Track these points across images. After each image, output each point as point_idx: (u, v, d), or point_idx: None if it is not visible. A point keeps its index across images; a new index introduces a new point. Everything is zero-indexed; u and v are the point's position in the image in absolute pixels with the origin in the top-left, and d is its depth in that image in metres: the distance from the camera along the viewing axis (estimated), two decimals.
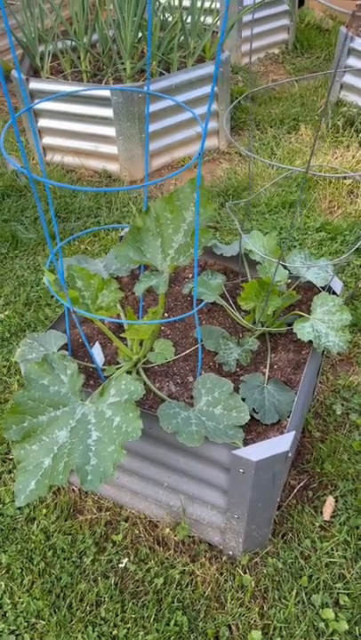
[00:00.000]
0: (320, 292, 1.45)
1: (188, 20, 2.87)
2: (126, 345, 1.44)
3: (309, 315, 1.38)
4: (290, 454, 1.20)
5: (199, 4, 2.83)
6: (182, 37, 2.86)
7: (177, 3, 2.89)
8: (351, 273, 2.25)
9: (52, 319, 1.94)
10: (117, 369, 1.40)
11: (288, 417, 1.29)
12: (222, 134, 3.04)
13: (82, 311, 1.20)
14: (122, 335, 1.34)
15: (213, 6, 3.16)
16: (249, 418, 1.22)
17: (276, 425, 1.30)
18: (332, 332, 1.34)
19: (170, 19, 2.93)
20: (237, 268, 1.66)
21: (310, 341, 1.38)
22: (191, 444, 1.14)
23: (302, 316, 1.38)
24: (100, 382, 1.40)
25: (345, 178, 2.69)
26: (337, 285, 1.49)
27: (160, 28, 2.85)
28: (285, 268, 1.46)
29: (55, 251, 1.25)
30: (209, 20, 3.25)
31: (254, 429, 1.30)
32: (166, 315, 1.59)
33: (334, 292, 1.49)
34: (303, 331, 1.34)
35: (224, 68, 2.87)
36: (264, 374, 1.39)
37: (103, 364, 1.44)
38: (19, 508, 1.53)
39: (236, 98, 3.32)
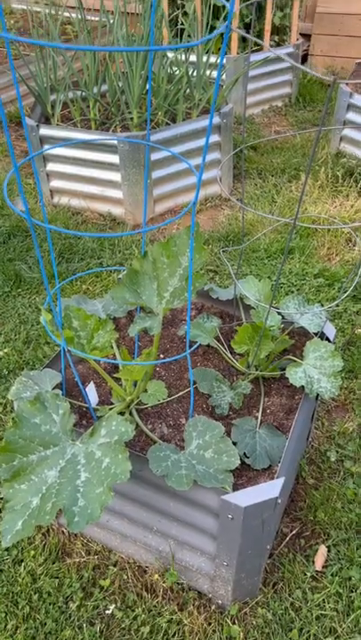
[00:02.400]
0: (313, 337, 1.47)
1: (194, 73, 3.00)
2: (120, 385, 1.45)
3: (302, 360, 1.39)
4: (279, 501, 1.19)
5: (205, 58, 2.97)
6: (188, 90, 2.99)
7: (183, 57, 3.03)
8: (348, 319, 2.28)
9: (51, 357, 1.95)
10: (110, 409, 1.41)
11: (279, 462, 1.29)
12: (224, 182, 3.13)
13: (76, 351, 1.22)
14: (116, 375, 1.36)
15: (218, 61, 3.30)
16: (239, 463, 1.22)
17: (267, 470, 1.30)
18: (324, 377, 1.35)
19: (177, 72, 3.06)
20: (233, 312, 1.69)
21: (303, 387, 1.39)
22: (180, 487, 1.14)
23: (295, 362, 1.40)
24: (93, 422, 1.40)
25: (331, 229, 2.75)
26: (330, 331, 1.51)
27: (167, 80, 2.98)
28: (279, 313, 1.48)
29: (53, 292, 1.28)
30: (214, 73, 3.39)
31: (245, 474, 1.29)
32: (162, 356, 1.61)
33: (328, 338, 1.51)
34: (295, 376, 1.35)
35: (227, 120, 2.98)
36: (257, 418, 1.39)
37: (97, 404, 1.45)
38: (6, 549, 1.51)
39: (238, 146, 3.43)
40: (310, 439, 1.81)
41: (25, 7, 5.17)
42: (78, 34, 3.04)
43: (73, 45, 0.78)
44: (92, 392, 1.42)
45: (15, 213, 2.92)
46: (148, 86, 1.92)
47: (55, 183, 3.04)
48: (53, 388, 1.41)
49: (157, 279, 1.32)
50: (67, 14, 3.39)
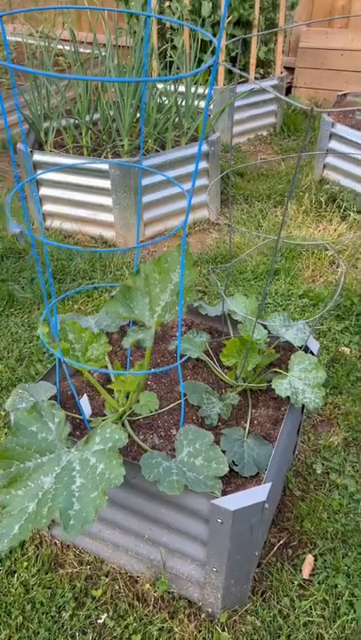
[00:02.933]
0: (298, 351, 1.54)
1: (182, 103, 3.12)
2: (113, 397, 1.50)
3: (287, 372, 1.46)
4: (267, 506, 1.24)
5: (193, 89, 3.10)
6: (177, 119, 3.11)
7: (172, 88, 3.16)
8: (332, 338, 2.35)
9: (46, 370, 2.00)
10: (103, 420, 1.45)
11: (266, 470, 1.34)
12: (212, 206, 3.23)
13: (72, 361, 1.27)
14: (109, 387, 1.41)
15: (206, 92, 3.44)
16: (228, 469, 1.27)
17: (255, 478, 1.35)
18: (309, 388, 1.42)
19: (166, 102, 3.18)
20: (221, 328, 1.75)
21: (288, 397, 1.45)
22: (171, 492, 1.19)
23: (281, 374, 1.46)
24: (87, 433, 1.45)
25: (312, 246, 2.85)
26: (314, 345, 1.58)
27: (157, 110, 3.10)
28: (265, 327, 1.55)
29: (51, 306, 1.34)
30: (202, 103, 3.53)
31: (233, 482, 1.34)
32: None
33: (311, 352, 1.58)
34: (281, 387, 1.42)
35: (215, 147, 3.09)
36: (244, 428, 1.45)
37: (90, 416, 1.49)
38: (0, 560, 1.53)
39: (227, 174, 3.55)
40: (297, 452, 1.87)
41: (20, 39, 5.34)
42: (71, 65, 3.16)
43: (74, 75, 0.86)
44: (85, 404, 1.47)
45: (7, 237, 2.99)
46: (141, 114, 2.02)
47: (47, 207, 3.12)
48: (48, 400, 1.45)
49: (149, 294, 1.38)
50: (59, 46, 3.52)
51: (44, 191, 3.07)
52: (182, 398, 1.35)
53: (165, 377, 1.65)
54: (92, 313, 2.46)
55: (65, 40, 3.70)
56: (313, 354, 1.57)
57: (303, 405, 1.48)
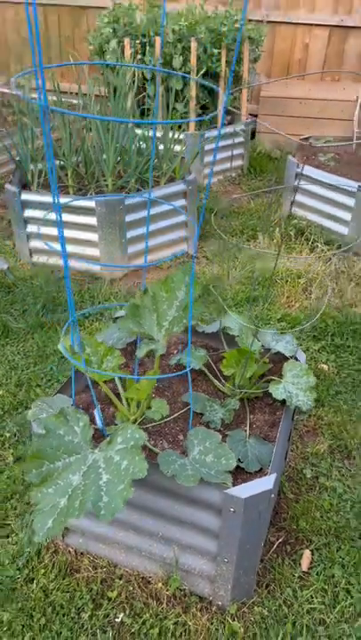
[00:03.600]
0: (289, 360, 1.71)
1: (161, 147, 3.36)
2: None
3: (281, 379, 1.63)
4: (273, 495, 1.38)
5: (170, 134, 3.35)
6: (156, 161, 3.34)
7: (151, 134, 3.40)
8: (311, 357, 2.54)
9: (62, 384, 2.10)
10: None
11: (269, 465, 1.48)
12: (191, 242, 3.44)
13: (93, 369, 1.41)
14: (124, 395, 1.54)
15: (182, 137, 3.72)
16: (236, 464, 1.41)
17: (259, 472, 1.49)
18: (301, 392, 1.58)
19: (143, 145, 3.42)
20: (216, 345, 1.91)
21: (283, 402, 1.61)
22: (188, 484, 1.32)
23: (276, 380, 1.63)
24: (102, 439, 1.56)
25: (286, 275, 3.08)
26: (301, 356, 1.75)
27: (137, 153, 3.32)
28: (258, 339, 1.72)
29: (69, 322, 1.48)
30: (178, 147, 3.79)
31: (240, 477, 1.48)
32: (157, 384, 1.81)
33: (300, 361, 1.75)
34: (277, 392, 1.58)
35: (192, 186, 3.33)
36: (245, 431, 1.60)
37: (102, 427, 1.61)
38: (18, 569, 1.60)
39: (201, 212, 3.80)
40: (288, 459, 2.02)
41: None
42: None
43: (95, 115, 1.04)
44: (98, 415, 1.59)
45: None
46: (151, 156, 2.24)
47: (34, 243, 3.26)
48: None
49: (157, 311, 1.54)
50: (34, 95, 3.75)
51: (30, 229, 3.22)
52: (190, 401, 1.50)
53: (168, 390, 1.79)
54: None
55: (50, 90, 3.94)
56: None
57: (293, 411, 1.65)
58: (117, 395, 1.73)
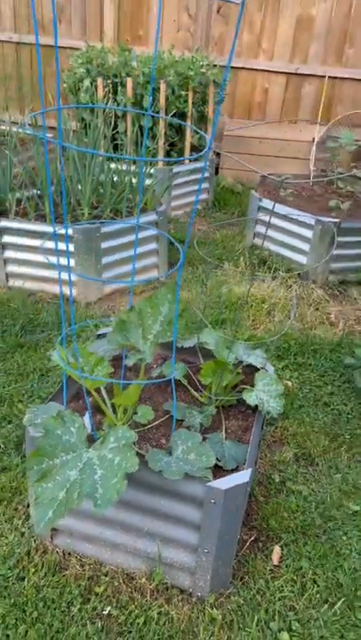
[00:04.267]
0: (259, 370, 1.90)
1: (133, 180, 3.58)
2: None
3: (253, 387, 1.81)
4: (248, 489, 1.54)
5: (143, 169, 3.58)
6: (130, 193, 3.55)
7: (125, 167, 3.62)
8: (276, 374, 2.74)
9: (55, 391, 2.22)
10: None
11: (244, 464, 1.65)
12: (161, 268, 3.64)
13: (90, 376, 1.56)
14: (112, 401, 1.69)
15: (152, 171, 3.95)
16: (215, 461, 1.57)
17: (235, 470, 1.65)
18: (271, 399, 1.77)
19: (115, 179, 3.63)
20: (193, 360, 2.09)
21: (255, 409, 1.79)
22: (174, 477, 1.47)
23: (248, 388, 1.81)
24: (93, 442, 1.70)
25: (251, 299, 3.31)
26: (270, 367, 1.95)
27: (111, 185, 3.53)
28: (232, 352, 1.91)
29: (62, 337, 1.63)
30: (148, 181, 4.02)
31: (218, 474, 1.63)
32: (140, 404, 1.95)
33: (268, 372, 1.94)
34: (250, 398, 1.76)
35: (163, 217, 3.54)
36: (222, 435, 1.76)
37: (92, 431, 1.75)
38: (9, 568, 1.70)
39: (170, 242, 4.03)
40: (257, 466, 2.19)
41: None
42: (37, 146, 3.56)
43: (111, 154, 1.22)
44: (87, 421, 1.73)
45: None
46: (139, 188, 2.44)
47: (11, 268, 3.39)
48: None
49: (142, 326, 1.71)
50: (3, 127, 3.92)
51: (7, 254, 3.35)
52: (174, 404, 1.66)
53: (149, 401, 1.94)
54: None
55: (14, 123, 4.13)
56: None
57: (263, 418, 1.82)
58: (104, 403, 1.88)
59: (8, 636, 1.53)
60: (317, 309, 3.39)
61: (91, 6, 5.88)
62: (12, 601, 1.62)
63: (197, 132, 4.86)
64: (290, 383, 2.70)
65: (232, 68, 5.64)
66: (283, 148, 5.42)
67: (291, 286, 3.55)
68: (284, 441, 2.36)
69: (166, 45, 5.39)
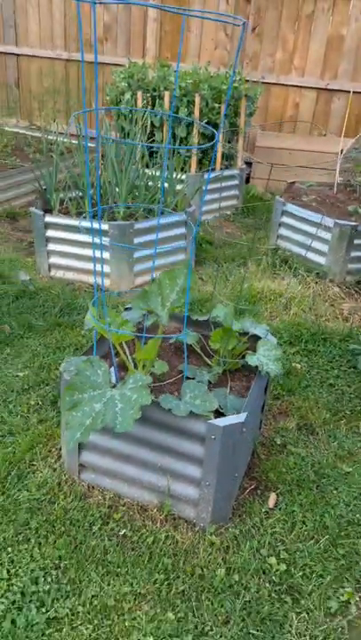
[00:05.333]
0: (262, 339, 2.18)
1: (166, 185, 3.93)
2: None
3: (255, 352, 2.10)
4: (244, 429, 1.83)
5: (174, 175, 3.93)
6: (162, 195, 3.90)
7: (158, 173, 3.97)
8: (287, 358, 3.01)
9: (87, 346, 2.55)
10: None
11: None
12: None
13: (116, 329, 1.88)
14: (131, 358, 2.00)
15: (183, 177, 4.30)
16: (217, 408, 1.86)
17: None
18: (270, 362, 2.05)
19: (150, 183, 3.98)
20: (205, 332, 2.39)
21: (256, 368, 2.08)
22: (181, 414, 1.77)
23: (251, 353, 2.10)
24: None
25: (269, 293, 3.58)
26: (271, 338, 2.23)
27: (145, 188, 3.88)
28: (239, 323, 2.20)
29: (94, 300, 1.96)
30: (179, 186, 4.36)
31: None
32: (158, 359, 2.27)
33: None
34: (252, 360, 2.05)
35: (191, 218, 3.87)
36: (227, 390, 2.05)
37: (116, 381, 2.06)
38: (43, 494, 2.02)
39: (199, 242, 4.36)
40: (262, 430, 2.46)
41: (18, 130, 6.24)
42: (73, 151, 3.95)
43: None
44: (113, 373, 2.05)
45: (20, 281, 3.60)
46: (161, 182, 2.76)
47: (53, 259, 3.77)
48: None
49: (162, 295, 2.02)
50: (51, 137, 4.34)
51: (51, 247, 3.74)
52: (185, 359, 1.96)
53: (166, 361, 2.25)
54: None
55: (60, 133, 4.55)
56: None
57: (266, 384, 2.10)
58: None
59: (40, 543, 1.85)
60: (332, 305, 3.64)
61: (135, 25, 6.33)
62: (45, 518, 1.93)
63: (229, 142, 5.20)
64: (299, 366, 2.96)
65: (265, 83, 5.97)
66: (311, 160, 5.70)
67: (309, 284, 3.80)
68: (289, 413, 2.62)
69: (203, 62, 5.77)
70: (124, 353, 2.11)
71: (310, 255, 4.04)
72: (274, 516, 2.04)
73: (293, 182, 4.79)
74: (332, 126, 5.94)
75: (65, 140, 4.43)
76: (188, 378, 2.10)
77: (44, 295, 3.49)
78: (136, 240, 3.59)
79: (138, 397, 1.73)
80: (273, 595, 1.76)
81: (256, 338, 2.25)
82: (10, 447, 2.24)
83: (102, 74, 6.52)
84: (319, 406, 2.67)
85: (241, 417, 1.82)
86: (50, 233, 3.70)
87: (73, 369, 1.97)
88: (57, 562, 1.79)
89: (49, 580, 1.74)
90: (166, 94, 4.68)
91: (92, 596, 1.70)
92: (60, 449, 2.23)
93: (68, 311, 3.32)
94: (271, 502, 2.10)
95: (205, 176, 4.81)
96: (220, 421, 1.79)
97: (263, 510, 2.06)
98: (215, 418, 1.84)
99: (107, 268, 3.62)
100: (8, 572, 1.75)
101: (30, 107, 7.00)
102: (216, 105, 4.88)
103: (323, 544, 1.94)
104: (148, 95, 4.94)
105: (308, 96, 5.95)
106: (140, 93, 4.76)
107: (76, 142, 4.08)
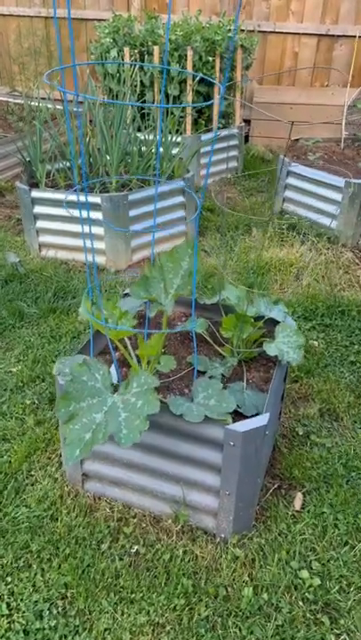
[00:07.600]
0: (280, 323, 1.93)
1: (161, 149, 3.61)
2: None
3: (274, 340, 1.85)
4: (267, 432, 1.60)
5: (169, 137, 3.60)
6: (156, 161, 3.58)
7: (151, 137, 3.64)
8: (302, 335, 2.76)
9: (82, 343, 2.31)
10: None
11: (263, 411, 1.70)
12: (190, 235, 3.67)
13: (113, 326, 1.63)
14: (134, 354, 1.76)
15: (179, 140, 3.97)
16: (235, 408, 1.63)
17: (255, 416, 1.70)
18: (291, 349, 1.81)
19: (143, 148, 3.66)
20: (216, 317, 2.14)
21: (275, 357, 1.84)
22: (194, 420, 1.54)
23: (269, 340, 1.85)
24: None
25: (279, 263, 3.31)
26: (290, 321, 1.98)
27: (138, 154, 3.56)
28: (253, 306, 1.95)
29: (86, 290, 1.70)
30: (175, 150, 4.03)
31: (239, 420, 1.69)
32: (165, 348, 2.02)
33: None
34: (270, 349, 1.80)
35: (190, 184, 3.57)
36: (243, 384, 1.82)
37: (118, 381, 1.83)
38: (44, 510, 1.81)
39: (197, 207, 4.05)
40: (281, 420, 2.23)
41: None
42: (58, 117, 3.62)
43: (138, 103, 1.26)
44: (113, 372, 1.81)
45: (9, 264, 3.33)
46: (157, 152, 2.46)
47: (43, 238, 3.49)
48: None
49: (164, 280, 1.77)
50: (34, 103, 3.99)
51: (40, 224, 3.45)
52: (195, 355, 1.72)
53: (173, 355, 2.00)
54: None
55: (43, 98, 4.20)
56: None
57: (286, 372, 1.85)
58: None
59: (43, 569, 1.65)
60: (347, 272, 3.37)
61: None
62: (47, 538, 1.73)
63: (226, 99, 4.83)
64: (316, 343, 2.72)
65: (261, 32, 5.54)
66: (314, 114, 5.32)
67: (320, 250, 3.53)
68: (309, 397, 2.39)
69: (194, 11, 5.33)
70: (125, 347, 1.86)
71: (320, 219, 3.75)
72: (302, 519, 1.83)
73: (297, 139, 4.45)
74: (334, 76, 5.54)
75: (49, 105, 4.08)
76: (198, 372, 1.86)
77: (36, 278, 3.23)
78: (131, 212, 3.29)
79: (144, 404, 1.49)
80: (308, 615, 1.57)
81: (272, 321, 2.00)
82: (5, 456, 2.02)
83: (85, 31, 6.07)
84: (341, 388, 2.44)
85: (263, 419, 1.59)
86: (38, 209, 3.41)
87: (68, 371, 1.73)
88: (63, 591, 1.59)
89: (55, 612, 1.54)
90: (156, 49, 4.29)
91: (105, 630, 1.51)
92: (61, 455, 2.02)
93: (63, 295, 3.06)
94: (297, 503, 1.89)
95: (203, 137, 4.47)
96: (240, 426, 1.56)
97: (290, 514, 1.85)
98: (233, 418, 1.61)
99: (101, 245, 3.34)
100: (8, 605, 1.55)
101: (11, 71, 6.56)
102: (210, 58, 4.49)
103: (359, 550, 1.74)
104: (136, 51, 4.55)
105: (307, 44, 5.52)
106: (127, 49, 4.37)
107: (62, 108, 3.73)
